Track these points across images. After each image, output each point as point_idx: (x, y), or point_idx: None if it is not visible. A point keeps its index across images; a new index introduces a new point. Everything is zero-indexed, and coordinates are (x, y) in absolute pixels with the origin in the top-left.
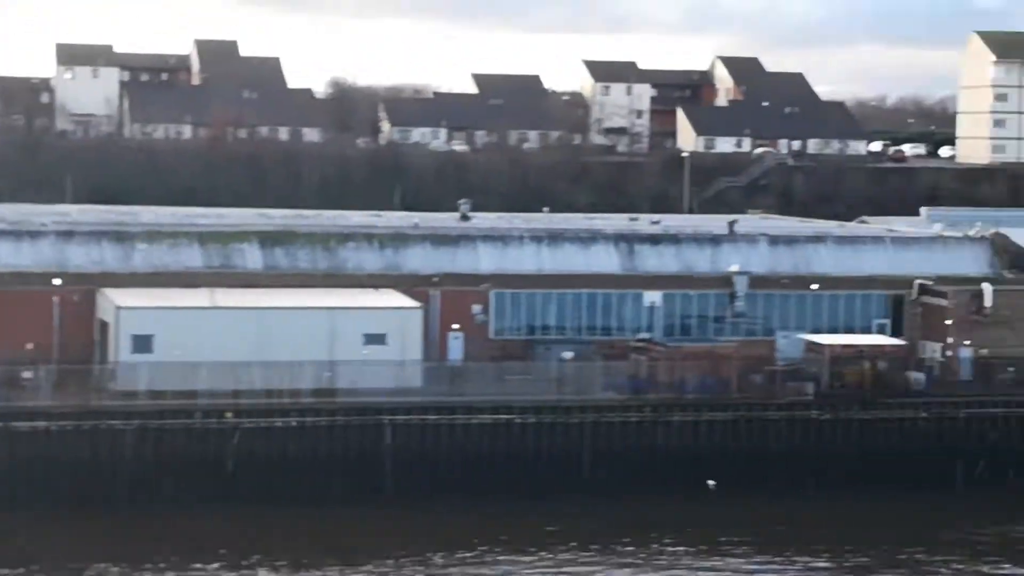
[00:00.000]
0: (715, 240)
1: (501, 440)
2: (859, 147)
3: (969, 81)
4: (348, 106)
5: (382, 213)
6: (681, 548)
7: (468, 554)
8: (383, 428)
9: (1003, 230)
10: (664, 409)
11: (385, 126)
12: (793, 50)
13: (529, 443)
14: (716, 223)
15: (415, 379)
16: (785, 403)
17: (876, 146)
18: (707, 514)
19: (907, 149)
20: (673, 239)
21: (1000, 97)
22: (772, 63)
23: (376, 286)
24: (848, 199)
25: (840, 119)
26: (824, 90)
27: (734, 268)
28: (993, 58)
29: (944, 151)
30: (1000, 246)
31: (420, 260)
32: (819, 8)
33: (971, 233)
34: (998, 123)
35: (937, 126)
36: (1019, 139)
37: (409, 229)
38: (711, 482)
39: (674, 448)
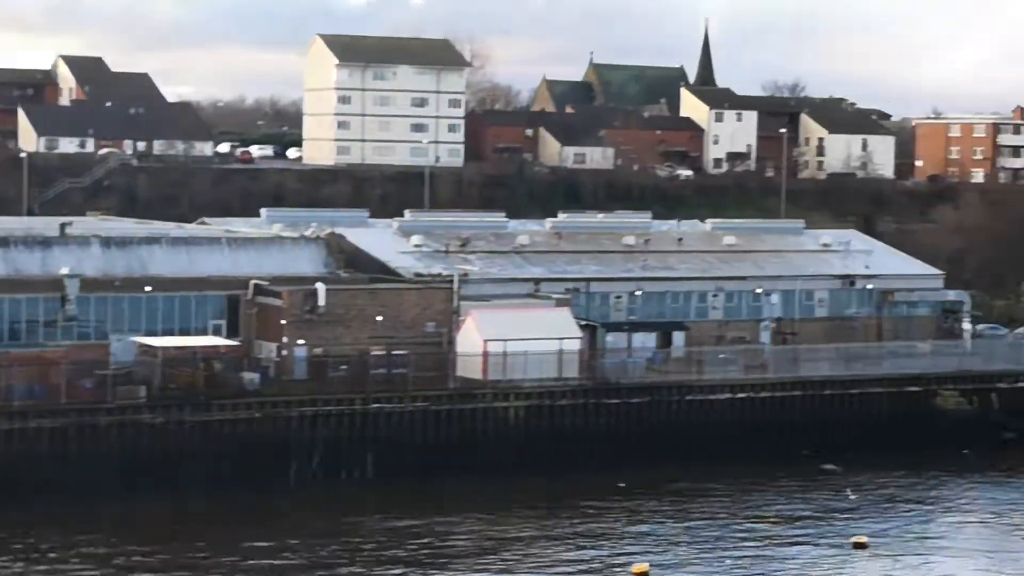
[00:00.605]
0: (45, 243)
1: None
2: (206, 148)
3: (314, 83)
4: None
5: None
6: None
7: None
8: None
9: (340, 230)
10: None
11: None
12: (157, 51)
13: None
14: (50, 225)
15: None
16: (116, 407)
17: (224, 147)
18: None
19: (255, 150)
20: (2, 242)
21: (343, 100)
22: (133, 64)
23: None
24: (193, 200)
25: (187, 120)
26: (186, 91)
27: (65, 271)
28: (336, 61)
29: (291, 152)
30: (335, 246)
31: None
32: (181, 10)
33: (307, 233)
34: (342, 125)
35: (290, 127)
36: (362, 141)
37: None
38: None
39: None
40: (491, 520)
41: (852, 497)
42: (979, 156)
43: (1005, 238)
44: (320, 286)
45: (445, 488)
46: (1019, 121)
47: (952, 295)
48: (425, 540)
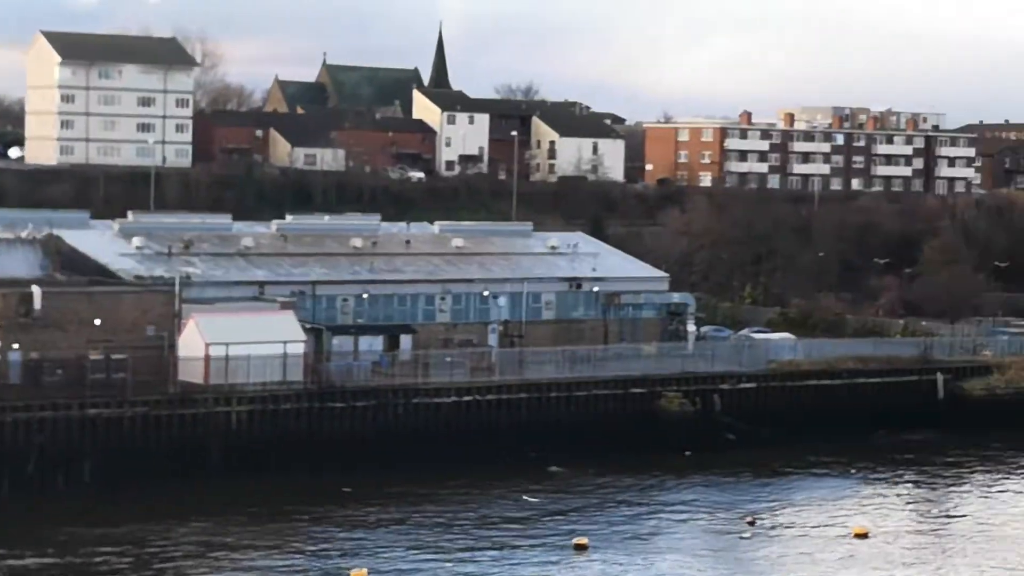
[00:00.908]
0: None
1: None
2: None
3: (36, 81)
4: None
5: None
6: None
7: None
8: None
9: (58, 231)
10: None
11: None
12: None
13: None
14: None
15: None
16: None
17: None
18: None
19: None
20: None
21: (67, 98)
22: None
23: None
24: None
25: None
26: None
27: None
28: (59, 59)
29: (13, 152)
30: (52, 247)
31: None
32: None
33: (23, 235)
34: (66, 124)
35: (14, 126)
36: (87, 140)
37: None
38: None
39: None
40: (207, 527)
41: (531, 501)
42: (707, 160)
43: (730, 241)
44: (35, 289)
45: (164, 494)
46: (746, 126)
47: (677, 297)
48: (134, 548)
